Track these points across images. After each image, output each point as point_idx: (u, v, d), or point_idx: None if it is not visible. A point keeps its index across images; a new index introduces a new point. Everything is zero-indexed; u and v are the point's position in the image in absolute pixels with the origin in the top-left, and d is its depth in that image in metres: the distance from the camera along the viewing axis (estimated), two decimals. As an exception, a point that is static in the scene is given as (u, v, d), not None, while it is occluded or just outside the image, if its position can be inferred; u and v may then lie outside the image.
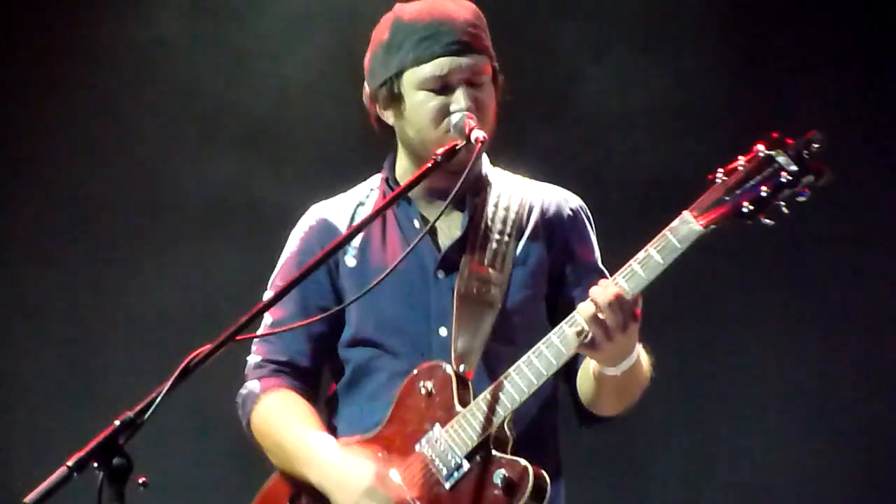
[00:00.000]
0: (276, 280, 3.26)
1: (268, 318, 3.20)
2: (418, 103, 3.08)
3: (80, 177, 5.68)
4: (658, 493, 5.52)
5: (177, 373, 2.69)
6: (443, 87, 3.06)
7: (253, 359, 3.24)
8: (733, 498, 5.51)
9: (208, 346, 2.72)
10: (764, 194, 2.73)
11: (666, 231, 2.82)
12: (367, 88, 3.21)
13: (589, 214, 3.28)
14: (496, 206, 3.18)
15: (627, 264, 2.85)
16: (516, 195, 3.21)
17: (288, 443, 3.09)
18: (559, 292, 3.17)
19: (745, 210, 2.75)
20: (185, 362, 2.69)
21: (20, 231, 5.68)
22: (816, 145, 2.71)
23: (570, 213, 3.24)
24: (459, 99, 3.04)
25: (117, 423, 2.64)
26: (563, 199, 3.26)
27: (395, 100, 3.11)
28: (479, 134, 3.01)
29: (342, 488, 2.99)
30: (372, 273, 3.08)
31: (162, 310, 5.52)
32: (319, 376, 3.25)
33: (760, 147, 2.75)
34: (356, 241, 3.16)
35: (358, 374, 3.17)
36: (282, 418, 3.12)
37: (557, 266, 3.18)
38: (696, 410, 5.51)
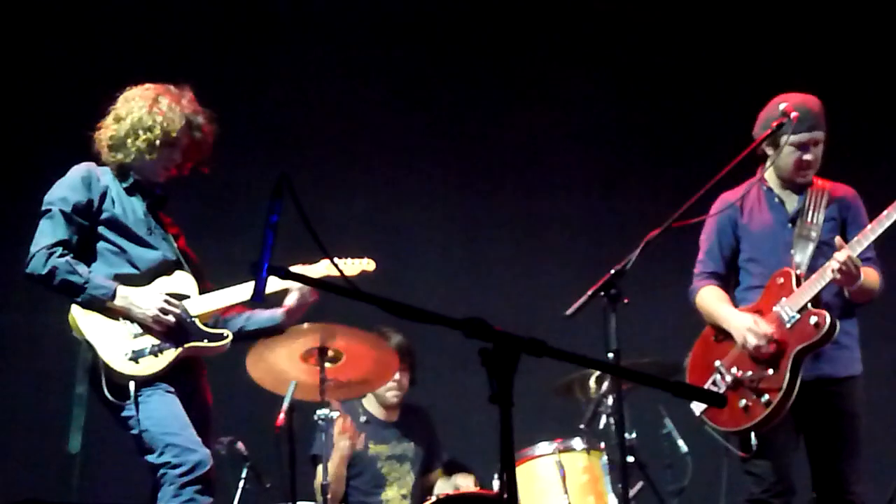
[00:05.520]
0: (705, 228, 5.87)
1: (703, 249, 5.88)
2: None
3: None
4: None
5: (642, 245, 4.92)
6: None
7: (696, 269, 5.87)
8: None
9: (658, 230, 4.96)
10: None
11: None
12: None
13: (858, 198, 5.76)
14: (814, 191, 5.72)
15: (856, 238, 5.45)
16: (822, 187, 5.73)
17: (715, 309, 5.73)
18: (845, 234, 5.62)
19: None
20: (646, 239, 4.92)
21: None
22: None
23: (849, 196, 5.74)
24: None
25: (613, 271, 4.89)
26: (846, 189, 5.77)
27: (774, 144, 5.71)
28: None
29: (737, 322, 5.60)
30: (753, 226, 5.76)
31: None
32: (728, 280, 5.84)
33: None
34: (746, 209, 5.78)
35: (746, 277, 5.79)
36: (712, 298, 5.77)
37: (845, 222, 5.68)
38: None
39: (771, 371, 5.46)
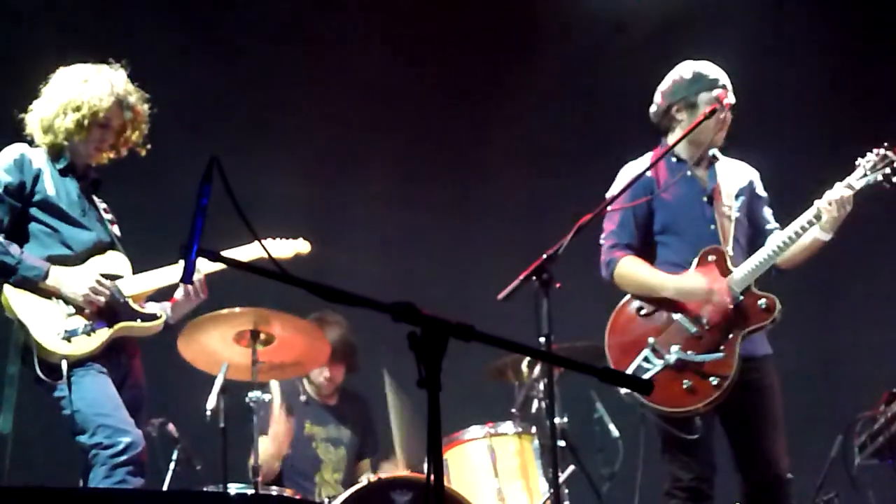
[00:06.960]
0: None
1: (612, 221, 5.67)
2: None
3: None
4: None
5: (574, 230, 4.94)
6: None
7: (607, 242, 5.66)
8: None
9: (590, 215, 4.98)
10: None
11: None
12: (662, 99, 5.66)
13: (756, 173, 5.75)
14: (722, 166, 5.67)
15: (845, 181, 5.36)
16: (728, 164, 5.71)
17: (650, 277, 5.54)
18: (752, 210, 5.66)
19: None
20: (578, 224, 4.94)
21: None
22: None
23: (752, 173, 5.72)
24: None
25: (545, 256, 4.90)
26: (747, 166, 5.75)
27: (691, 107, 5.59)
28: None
29: (692, 283, 5.47)
30: (670, 198, 5.60)
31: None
32: (642, 254, 5.61)
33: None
34: (660, 181, 5.60)
35: (664, 251, 5.63)
36: (640, 266, 5.57)
37: (754, 199, 5.66)
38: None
39: (719, 352, 5.38)
